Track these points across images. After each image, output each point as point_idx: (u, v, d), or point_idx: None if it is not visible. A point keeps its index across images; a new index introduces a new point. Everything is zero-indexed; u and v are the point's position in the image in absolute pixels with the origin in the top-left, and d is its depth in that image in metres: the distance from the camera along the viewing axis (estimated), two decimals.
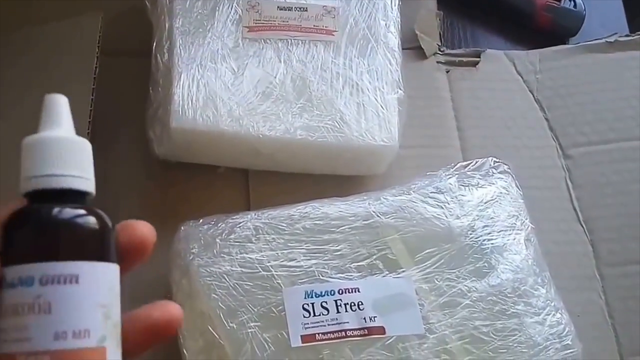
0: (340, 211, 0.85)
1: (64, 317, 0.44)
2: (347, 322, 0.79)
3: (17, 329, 0.44)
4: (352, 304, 0.79)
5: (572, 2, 1.15)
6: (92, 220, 0.46)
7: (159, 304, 0.50)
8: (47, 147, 0.47)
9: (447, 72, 1.09)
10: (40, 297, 0.44)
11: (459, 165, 0.92)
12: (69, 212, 0.46)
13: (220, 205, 0.89)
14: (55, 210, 0.46)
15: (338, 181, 0.96)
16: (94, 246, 0.46)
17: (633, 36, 1.12)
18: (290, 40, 0.96)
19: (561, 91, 1.09)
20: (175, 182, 0.95)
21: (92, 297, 0.45)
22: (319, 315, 0.79)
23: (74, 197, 0.47)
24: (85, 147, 0.48)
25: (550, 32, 1.16)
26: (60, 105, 0.49)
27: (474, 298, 0.82)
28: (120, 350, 0.47)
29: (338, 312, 0.79)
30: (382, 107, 0.93)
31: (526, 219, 0.89)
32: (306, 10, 0.97)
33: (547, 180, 1.02)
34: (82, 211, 0.46)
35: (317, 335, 0.78)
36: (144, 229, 0.50)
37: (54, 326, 0.43)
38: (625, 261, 0.97)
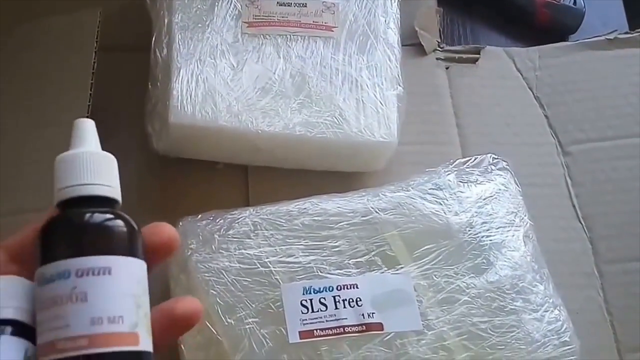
0: (338, 207, 0.85)
1: (99, 304, 0.47)
2: (346, 319, 0.78)
3: (56, 318, 0.47)
4: (351, 300, 0.79)
5: None
6: (120, 221, 0.51)
7: (181, 299, 0.54)
8: (76, 161, 0.51)
9: (447, 68, 1.09)
10: (77, 287, 0.47)
11: (457, 161, 0.92)
12: (99, 214, 0.50)
13: (219, 201, 0.88)
14: (88, 213, 0.50)
15: (337, 177, 0.96)
16: (123, 243, 0.50)
17: (632, 33, 1.12)
18: (289, 36, 0.95)
19: (560, 88, 1.08)
20: (174, 178, 0.95)
21: (123, 287, 0.48)
22: (317, 311, 0.78)
23: (102, 203, 0.51)
24: (110, 160, 0.53)
25: (550, 29, 1.15)
26: (86, 127, 0.53)
27: (473, 294, 0.81)
28: (151, 339, 0.49)
29: (336, 308, 0.79)
30: (381, 103, 0.93)
31: (525, 216, 0.89)
32: (306, 6, 0.97)
33: (547, 177, 1.02)
34: (112, 214, 0.51)
35: (315, 331, 0.78)
36: (170, 230, 0.54)
37: (90, 313, 0.47)
38: (624, 258, 0.96)
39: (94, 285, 0.47)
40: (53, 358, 0.46)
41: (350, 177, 0.96)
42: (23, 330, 0.49)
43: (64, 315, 0.47)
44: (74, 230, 0.50)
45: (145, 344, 0.48)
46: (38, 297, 0.49)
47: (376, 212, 0.85)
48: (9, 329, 0.49)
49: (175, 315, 0.53)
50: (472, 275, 0.83)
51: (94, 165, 0.51)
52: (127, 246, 0.50)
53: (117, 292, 0.48)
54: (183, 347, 0.76)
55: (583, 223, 0.98)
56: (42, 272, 0.49)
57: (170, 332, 0.53)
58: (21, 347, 0.48)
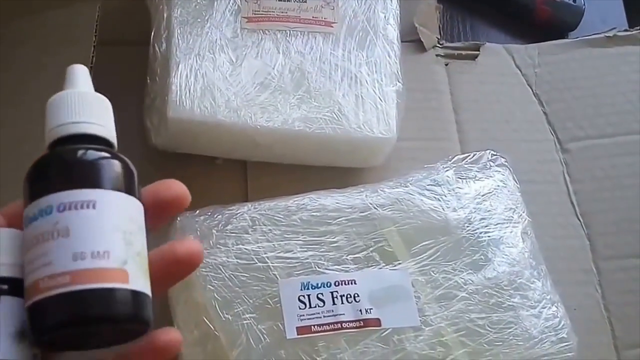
0: (337, 203, 0.85)
1: (82, 239, 0.45)
2: (343, 314, 0.78)
3: (39, 257, 0.45)
4: (348, 296, 0.79)
5: None
6: (108, 156, 0.49)
7: (182, 240, 0.53)
8: (63, 101, 0.50)
9: (446, 65, 1.08)
10: (58, 222, 0.45)
11: (456, 158, 0.91)
12: (83, 149, 0.48)
13: (217, 197, 0.88)
14: (71, 148, 0.48)
15: (336, 173, 0.96)
16: (110, 177, 0.47)
17: (632, 31, 1.11)
18: (289, 32, 0.95)
19: (560, 85, 1.08)
20: (173, 173, 0.92)
21: (110, 221, 0.46)
22: (315, 307, 0.78)
23: (93, 141, 0.49)
24: (102, 100, 0.52)
25: (550, 26, 1.15)
26: (78, 71, 0.52)
27: (470, 290, 0.81)
28: (148, 282, 0.47)
29: (334, 303, 0.78)
30: (380, 99, 0.92)
31: (523, 212, 0.89)
32: (305, 2, 0.96)
33: (545, 174, 1.02)
34: (98, 150, 0.49)
35: (312, 327, 0.77)
36: (179, 186, 0.53)
37: (72, 248, 0.44)
38: (622, 255, 0.96)
39: (77, 219, 0.45)
40: (36, 299, 0.44)
41: (349, 172, 0.96)
42: (21, 287, 0.47)
43: (46, 253, 0.45)
44: (55, 166, 0.48)
45: (138, 284, 0.46)
46: (24, 239, 0.47)
47: (374, 208, 0.84)
48: (5, 287, 0.47)
49: (177, 256, 0.51)
50: (470, 271, 0.82)
51: (83, 104, 0.50)
52: (116, 181, 0.48)
53: (103, 227, 0.46)
54: None
55: (581, 220, 0.98)
56: (26, 213, 0.47)
57: (171, 275, 0.53)
58: (19, 305, 0.47)
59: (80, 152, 0.48)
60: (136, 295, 0.46)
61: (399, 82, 0.95)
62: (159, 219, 0.53)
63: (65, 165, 0.48)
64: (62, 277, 0.44)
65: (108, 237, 0.45)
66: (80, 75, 0.52)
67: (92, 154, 0.48)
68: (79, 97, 0.50)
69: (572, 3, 1.14)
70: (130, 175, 0.49)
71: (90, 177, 0.47)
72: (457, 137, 1.03)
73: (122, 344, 0.49)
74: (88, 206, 0.46)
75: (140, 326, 0.47)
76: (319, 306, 0.78)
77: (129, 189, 0.48)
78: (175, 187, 0.53)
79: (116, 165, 0.49)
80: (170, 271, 0.52)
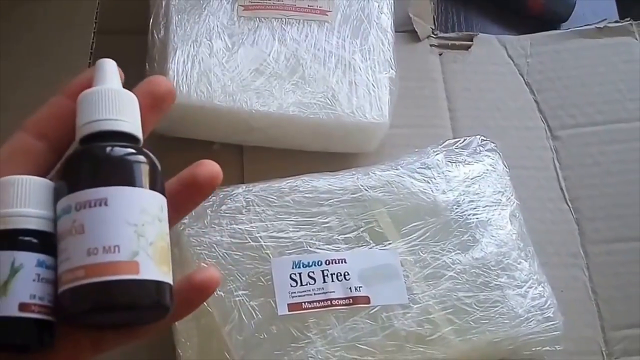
0: (329, 185, 0.85)
1: (94, 235, 0.46)
2: (333, 292, 0.78)
3: (62, 253, 0.47)
4: (339, 274, 0.79)
5: None
6: (121, 150, 0.49)
7: (202, 162, 0.54)
8: (89, 99, 0.50)
9: (440, 54, 1.08)
10: (76, 221, 0.47)
11: (447, 142, 0.92)
12: (100, 146, 0.49)
13: None
14: (90, 146, 0.49)
15: (330, 158, 0.95)
16: (122, 173, 0.48)
17: (622, 22, 1.11)
18: (284, 19, 0.94)
19: (551, 75, 1.07)
20: (171, 157, 0.92)
21: (120, 217, 0.47)
22: (306, 284, 0.78)
23: (116, 138, 0.50)
24: (127, 96, 0.51)
25: (542, 17, 1.14)
26: (103, 67, 0.52)
27: (458, 270, 0.81)
28: (165, 268, 0.49)
29: (324, 282, 0.79)
30: (373, 85, 0.92)
31: (512, 196, 0.89)
32: None
33: (536, 160, 1.01)
34: (114, 145, 0.49)
35: (303, 303, 0.77)
36: (166, 83, 0.55)
37: (87, 244, 0.46)
38: (609, 239, 0.96)
39: (90, 216, 0.47)
40: (60, 291, 0.47)
41: (343, 158, 0.96)
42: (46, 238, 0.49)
43: (66, 249, 0.47)
44: (75, 166, 0.49)
45: (149, 273, 0.47)
46: (56, 234, 0.49)
47: (365, 189, 0.85)
48: (35, 241, 0.49)
49: (196, 180, 0.53)
50: (458, 251, 0.83)
51: (108, 102, 0.50)
52: (127, 176, 0.48)
53: (113, 222, 0.47)
54: None
55: (570, 205, 0.98)
56: (56, 211, 0.49)
57: (192, 198, 0.54)
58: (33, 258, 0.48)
59: (96, 151, 0.49)
60: (148, 284, 0.47)
61: (392, 69, 0.94)
62: (197, 196, 0.55)
63: (82, 165, 0.49)
64: (78, 271, 0.46)
65: (118, 231, 0.47)
66: (108, 70, 0.52)
67: (107, 152, 0.49)
68: (105, 94, 0.50)
69: None
70: (147, 168, 0.50)
71: (103, 174, 0.48)
72: (450, 124, 1.02)
73: (142, 325, 0.51)
74: (100, 204, 0.47)
75: (157, 311, 0.49)
76: (310, 284, 0.78)
77: (144, 182, 0.49)
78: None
79: (132, 160, 0.49)
80: (190, 195, 0.54)
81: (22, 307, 0.47)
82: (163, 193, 0.50)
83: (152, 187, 0.49)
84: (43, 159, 0.52)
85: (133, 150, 0.50)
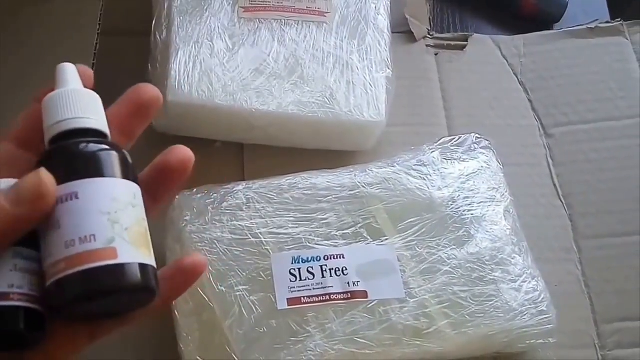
0: (327, 182, 0.84)
1: (70, 228, 0.47)
2: (332, 287, 0.78)
3: (44, 249, 0.48)
4: (337, 270, 0.79)
5: None
6: (84, 146, 0.50)
7: (174, 148, 0.55)
8: (52, 101, 0.51)
9: (436, 55, 1.07)
10: (54, 217, 0.48)
11: (442, 140, 0.91)
12: (67, 144, 0.50)
13: (216, 178, 0.87)
14: (58, 145, 0.50)
15: (329, 156, 0.95)
16: (89, 166, 0.49)
17: (613, 23, 1.11)
18: (284, 21, 0.94)
19: (544, 74, 1.07)
20: None
21: (93, 207, 0.48)
22: (305, 279, 0.78)
23: (83, 135, 0.51)
24: (88, 95, 0.52)
25: (535, 18, 1.14)
26: (64, 70, 0.53)
27: (454, 265, 0.81)
28: (145, 251, 0.49)
29: (323, 277, 0.78)
30: (370, 84, 0.92)
31: (506, 192, 0.88)
32: None
33: (530, 157, 1.01)
34: (80, 141, 0.50)
35: (302, 298, 0.77)
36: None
37: (64, 237, 0.47)
38: (601, 234, 0.95)
39: (64, 211, 0.47)
40: (46, 285, 0.48)
41: (341, 156, 0.95)
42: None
43: (47, 245, 0.48)
44: (47, 166, 0.49)
45: (128, 257, 0.48)
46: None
47: (363, 186, 0.84)
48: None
49: (170, 165, 0.54)
50: (453, 247, 0.82)
51: (71, 102, 0.51)
52: (94, 168, 0.49)
53: (86, 213, 0.47)
54: (177, 313, 0.76)
55: (563, 201, 0.97)
56: None
57: (166, 184, 0.55)
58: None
59: (64, 149, 0.50)
60: (128, 267, 0.48)
61: (388, 68, 0.94)
62: (171, 181, 0.55)
63: (53, 164, 0.49)
64: (60, 264, 0.47)
65: (92, 221, 0.47)
66: (69, 73, 0.53)
67: (73, 148, 0.50)
68: (67, 95, 0.51)
69: None
70: (114, 158, 0.50)
71: (70, 170, 0.49)
72: (446, 122, 1.02)
73: (133, 310, 0.51)
74: (72, 198, 0.48)
75: (142, 293, 0.49)
76: (309, 279, 0.78)
77: (113, 172, 0.50)
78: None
79: (97, 152, 0.50)
80: (164, 180, 0.55)
81: (1, 296, 0.47)
82: (135, 181, 0.51)
83: (122, 176, 0.50)
84: (30, 167, 0.51)
85: (99, 144, 0.50)
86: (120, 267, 0.47)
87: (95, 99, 0.53)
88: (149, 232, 0.50)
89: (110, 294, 0.48)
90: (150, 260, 0.49)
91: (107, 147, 0.50)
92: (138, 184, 0.51)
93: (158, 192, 0.54)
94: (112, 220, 0.48)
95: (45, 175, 0.47)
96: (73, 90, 0.52)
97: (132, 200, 0.50)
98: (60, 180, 0.48)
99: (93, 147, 0.50)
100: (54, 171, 0.48)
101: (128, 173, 0.51)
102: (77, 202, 0.48)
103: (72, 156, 0.50)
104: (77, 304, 0.47)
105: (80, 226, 0.47)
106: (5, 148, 0.54)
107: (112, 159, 0.50)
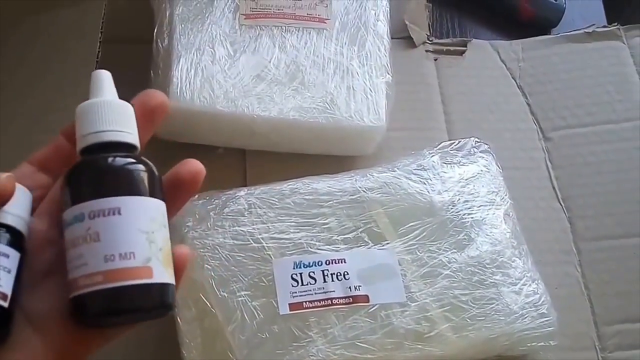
0: (328, 187, 0.83)
1: (110, 242, 0.48)
2: (333, 291, 0.76)
3: (76, 258, 0.48)
4: (338, 274, 0.77)
5: None
6: (129, 161, 0.51)
7: (186, 162, 0.56)
8: (93, 109, 0.51)
9: (435, 60, 1.06)
10: (90, 228, 0.48)
11: (442, 144, 0.90)
12: (108, 158, 0.50)
13: (218, 183, 0.85)
14: (98, 158, 0.50)
15: (330, 161, 0.93)
16: (132, 184, 0.50)
17: (610, 27, 1.09)
18: (284, 28, 0.93)
19: (542, 78, 1.06)
20: (175, 161, 0.92)
21: (134, 225, 0.48)
22: (307, 284, 0.77)
23: (119, 148, 0.51)
24: (124, 106, 0.52)
25: (533, 23, 1.12)
26: (101, 78, 0.53)
27: (454, 268, 0.79)
28: (171, 271, 0.50)
29: (325, 281, 0.77)
30: (370, 90, 0.91)
31: (505, 195, 0.87)
32: (300, 0, 0.94)
33: (528, 161, 1.00)
34: (121, 156, 0.51)
35: (304, 303, 0.76)
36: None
37: (103, 251, 0.48)
38: (600, 236, 0.94)
39: (105, 225, 0.48)
40: (78, 294, 0.48)
41: (342, 161, 0.94)
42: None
43: (82, 255, 0.48)
44: (85, 176, 0.50)
45: (161, 277, 0.49)
46: (65, 239, 0.50)
47: (364, 191, 0.83)
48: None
49: (181, 178, 0.55)
50: (453, 250, 0.81)
51: (110, 113, 0.51)
52: (137, 186, 0.50)
53: (128, 230, 0.48)
54: (179, 320, 0.75)
55: (562, 204, 0.96)
56: (64, 217, 0.50)
57: (178, 196, 0.55)
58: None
59: (106, 162, 0.50)
60: (160, 286, 0.49)
61: (388, 74, 0.93)
62: (183, 194, 0.56)
63: (93, 175, 0.50)
64: (97, 277, 0.47)
65: (132, 239, 0.48)
66: (106, 81, 0.53)
67: (117, 163, 0.50)
68: (106, 106, 0.51)
69: (554, 1, 1.11)
70: (151, 177, 0.51)
71: (115, 185, 0.49)
72: (445, 127, 1.01)
73: (149, 319, 0.52)
74: (114, 213, 0.48)
75: (165, 310, 0.50)
76: (310, 284, 0.77)
77: (151, 191, 0.50)
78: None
79: (139, 171, 0.51)
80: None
81: None
82: (164, 199, 0.52)
83: (156, 195, 0.51)
84: (46, 188, 0.54)
85: (136, 161, 0.51)
86: (155, 286, 0.49)
87: (130, 112, 0.53)
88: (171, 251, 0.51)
89: (143, 311, 0.49)
90: (173, 279, 0.51)
91: (142, 164, 0.51)
92: (165, 202, 0.52)
93: (170, 204, 0.54)
94: (149, 240, 0.49)
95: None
96: (110, 101, 0.52)
97: (163, 220, 0.51)
98: (101, 192, 0.48)
99: (132, 163, 0.51)
100: (93, 182, 0.49)
101: (159, 191, 0.52)
102: (119, 218, 0.48)
103: (113, 170, 0.50)
104: (109, 316, 0.49)
105: (121, 242, 0.48)
106: (26, 169, 0.55)
107: (149, 177, 0.51)
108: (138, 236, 0.48)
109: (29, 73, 0.88)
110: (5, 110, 0.84)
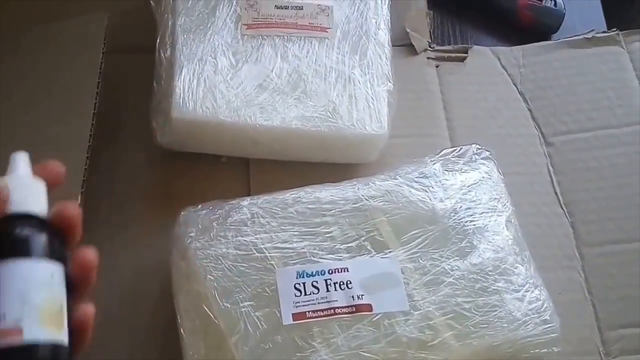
0: (331, 196, 0.81)
1: None
2: (336, 301, 0.75)
3: None
4: (341, 283, 0.75)
5: (553, 1, 1.11)
6: (9, 230, 0.50)
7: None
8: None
9: (437, 67, 1.05)
10: None
11: (443, 151, 0.88)
12: None
13: (221, 193, 0.84)
14: None
15: (333, 169, 0.92)
16: (6, 247, 0.49)
17: (609, 33, 1.08)
18: (286, 37, 0.91)
19: (543, 84, 1.04)
20: (179, 171, 0.92)
21: (7, 287, 0.48)
22: (310, 294, 0.75)
23: (19, 219, 0.51)
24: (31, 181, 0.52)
25: (533, 29, 1.11)
26: (17, 159, 0.53)
27: (457, 276, 0.78)
28: (53, 328, 0.49)
29: (328, 290, 0.75)
30: (372, 98, 0.89)
31: (507, 202, 0.85)
32: (302, 9, 0.93)
33: (530, 166, 0.98)
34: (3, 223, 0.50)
35: (307, 313, 0.74)
36: (90, 254, 0.53)
37: None
38: (603, 241, 0.93)
39: None
40: None
41: (345, 168, 0.92)
42: None
43: None
44: None
45: (35, 335, 0.47)
46: None
47: (366, 199, 0.81)
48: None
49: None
50: (456, 258, 0.79)
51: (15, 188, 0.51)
52: (11, 249, 0.49)
53: (1, 293, 0.48)
54: (182, 332, 0.73)
55: (565, 209, 0.95)
56: None
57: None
58: None
59: None
60: (32, 347, 0.48)
61: (390, 82, 0.92)
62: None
63: None
64: None
65: (4, 301, 0.47)
66: (18, 161, 0.53)
67: None
68: (13, 182, 0.51)
69: (554, 7, 1.10)
70: (31, 240, 0.50)
71: None
72: (447, 133, 0.99)
73: None
74: None
75: None
76: (313, 293, 0.75)
77: (28, 253, 0.49)
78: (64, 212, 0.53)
79: (15, 235, 0.50)
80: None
81: None
82: (60, 259, 0.51)
83: (42, 256, 0.50)
84: None
85: (25, 226, 0.50)
86: (25, 347, 0.47)
87: (37, 185, 0.52)
88: (65, 310, 0.50)
89: None
90: (60, 338, 0.49)
91: (31, 228, 0.50)
92: (64, 262, 0.51)
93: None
94: (22, 300, 0.48)
95: None
96: (16, 176, 0.52)
97: (48, 280, 0.50)
98: None
99: (17, 229, 0.50)
100: None
101: (50, 253, 0.50)
102: None
103: None
104: None
105: None
106: None
107: (34, 240, 0.50)
108: (11, 297, 0.48)
109: (32, 84, 0.86)
110: (9, 120, 0.82)
